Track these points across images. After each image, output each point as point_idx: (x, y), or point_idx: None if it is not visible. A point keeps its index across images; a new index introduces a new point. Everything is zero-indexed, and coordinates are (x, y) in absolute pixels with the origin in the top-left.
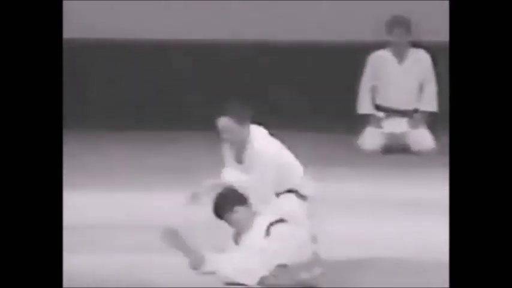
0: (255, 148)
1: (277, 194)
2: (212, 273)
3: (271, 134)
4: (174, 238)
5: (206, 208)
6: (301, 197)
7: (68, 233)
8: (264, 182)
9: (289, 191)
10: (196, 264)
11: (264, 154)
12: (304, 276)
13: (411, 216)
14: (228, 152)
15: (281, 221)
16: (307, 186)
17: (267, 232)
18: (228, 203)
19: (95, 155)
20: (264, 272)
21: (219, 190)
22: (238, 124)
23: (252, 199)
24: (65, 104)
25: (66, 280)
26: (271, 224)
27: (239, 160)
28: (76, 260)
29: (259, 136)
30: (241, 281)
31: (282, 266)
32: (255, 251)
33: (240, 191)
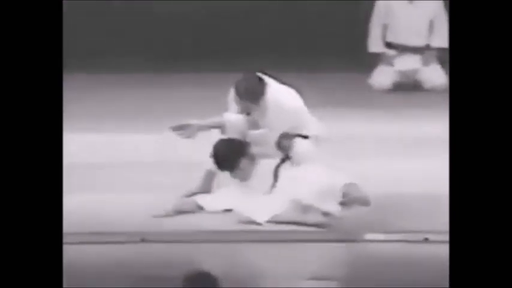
0: (268, 101)
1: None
2: (224, 211)
3: (282, 78)
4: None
5: (207, 147)
6: (310, 138)
7: (67, 173)
8: (275, 133)
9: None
10: (193, 209)
11: (278, 108)
12: (315, 215)
13: (421, 153)
14: (233, 101)
15: (287, 159)
16: (316, 128)
17: (275, 177)
18: (232, 158)
19: (95, 96)
20: (276, 210)
21: (219, 135)
22: (254, 104)
23: (257, 146)
24: (65, 47)
25: (66, 219)
26: (278, 166)
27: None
28: (76, 199)
29: (271, 88)
30: (253, 218)
31: (293, 204)
32: (264, 191)
33: (241, 138)
